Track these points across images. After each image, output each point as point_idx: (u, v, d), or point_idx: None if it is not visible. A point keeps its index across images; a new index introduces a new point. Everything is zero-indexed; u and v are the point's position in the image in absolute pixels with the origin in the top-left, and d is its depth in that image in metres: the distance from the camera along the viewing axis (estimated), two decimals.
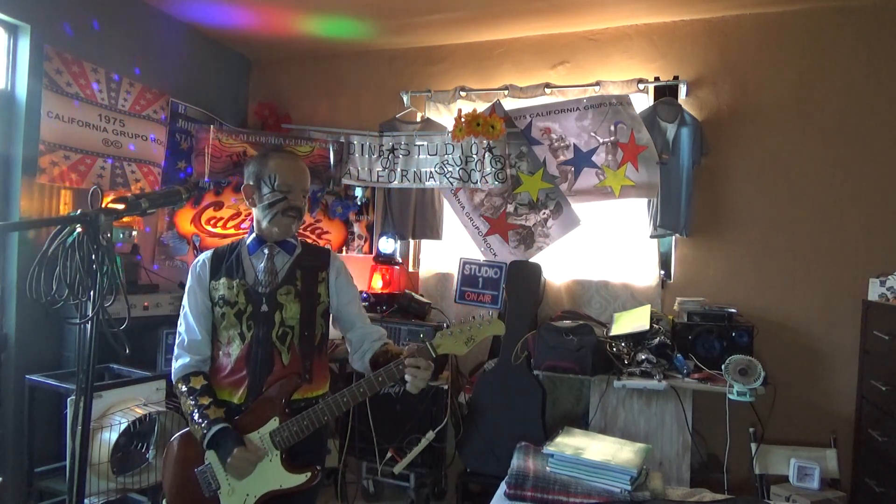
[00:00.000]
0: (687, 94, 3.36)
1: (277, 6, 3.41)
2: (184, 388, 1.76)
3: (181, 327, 1.83)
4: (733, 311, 3.01)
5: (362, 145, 3.72)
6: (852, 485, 2.92)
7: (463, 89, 3.70)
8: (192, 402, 1.72)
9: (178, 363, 1.80)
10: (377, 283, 3.65)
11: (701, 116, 3.32)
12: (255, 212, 1.85)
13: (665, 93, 3.33)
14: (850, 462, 2.96)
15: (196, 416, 1.70)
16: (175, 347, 1.83)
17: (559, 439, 2.09)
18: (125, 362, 2.94)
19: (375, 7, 3.37)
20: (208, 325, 1.82)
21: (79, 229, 1.26)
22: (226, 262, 1.84)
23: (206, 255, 1.87)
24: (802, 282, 3.18)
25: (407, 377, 1.69)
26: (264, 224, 1.82)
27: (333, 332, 1.98)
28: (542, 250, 3.44)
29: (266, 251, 1.83)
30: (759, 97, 3.27)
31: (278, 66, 4.30)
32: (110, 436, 2.54)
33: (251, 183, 1.82)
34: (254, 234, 1.86)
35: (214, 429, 1.67)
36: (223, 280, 1.81)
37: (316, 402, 1.75)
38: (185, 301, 1.84)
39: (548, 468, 1.96)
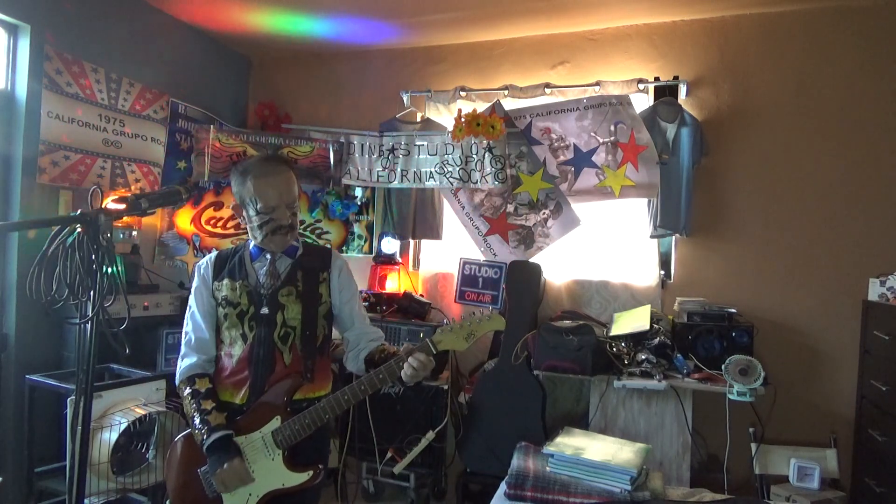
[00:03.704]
0: (687, 94, 3.36)
1: (278, 6, 3.41)
2: (188, 390, 1.76)
3: (188, 326, 1.84)
4: (733, 311, 3.01)
5: (362, 145, 3.71)
6: (852, 485, 2.92)
7: (463, 89, 3.70)
8: (195, 406, 1.72)
9: (185, 363, 1.80)
10: (377, 283, 3.65)
11: (701, 116, 3.32)
12: (248, 229, 1.85)
13: (665, 93, 3.33)
14: (850, 462, 2.96)
15: (197, 421, 1.71)
16: (182, 346, 1.83)
17: (559, 439, 2.08)
18: (125, 362, 2.94)
19: (376, 7, 3.37)
20: (214, 324, 1.83)
21: (79, 229, 1.26)
22: (229, 263, 1.85)
23: (209, 257, 1.89)
24: (802, 282, 3.18)
25: (405, 367, 1.67)
26: (259, 242, 1.82)
27: (335, 333, 1.98)
28: (542, 250, 3.44)
29: (268, 256, 1.84)
30: (759, 97, 3.27)
31: (278, 66, 4.29)
32: (110, 436, 2.54)
33: (237, 202, 1.83)
34: (254, 243, 1.87)
35: (214, 437, 1.67)
36: (226, 281, 1.82)
37: (318, 402, 1.75)
38: (191, 301, 1.86)
39: (548, 468, 1.96)
